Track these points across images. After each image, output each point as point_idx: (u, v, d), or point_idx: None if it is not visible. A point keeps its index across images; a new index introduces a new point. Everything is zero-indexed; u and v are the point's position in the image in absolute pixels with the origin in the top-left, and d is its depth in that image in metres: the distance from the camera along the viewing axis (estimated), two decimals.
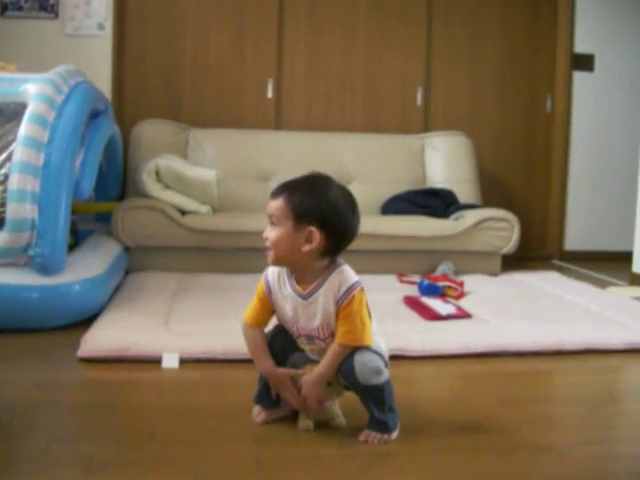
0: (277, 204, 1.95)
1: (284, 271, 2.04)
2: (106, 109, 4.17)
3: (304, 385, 2.01)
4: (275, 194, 1.97)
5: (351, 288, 1.96)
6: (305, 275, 2.00)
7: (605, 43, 5.95)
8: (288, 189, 1.96)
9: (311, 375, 2.01)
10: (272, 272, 2.06)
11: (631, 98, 5.80)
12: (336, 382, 2.03)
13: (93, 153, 3.69)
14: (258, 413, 2.13)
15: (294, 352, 2.09)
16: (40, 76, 3.46)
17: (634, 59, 5.70)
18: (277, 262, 1.99)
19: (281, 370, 2.06)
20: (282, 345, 2.09)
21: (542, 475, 1.86)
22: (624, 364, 2.99)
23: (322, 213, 1.92)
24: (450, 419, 2.23)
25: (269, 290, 2.05)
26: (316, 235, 1.91)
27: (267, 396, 2.10)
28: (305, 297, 2.00)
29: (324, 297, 1.97)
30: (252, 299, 2.10)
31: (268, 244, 1.97)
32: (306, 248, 1.93)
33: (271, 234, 1.97)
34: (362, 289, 1.99)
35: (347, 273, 2.00)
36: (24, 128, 3.19)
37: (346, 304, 1.95)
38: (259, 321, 2.09)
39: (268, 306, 2.07)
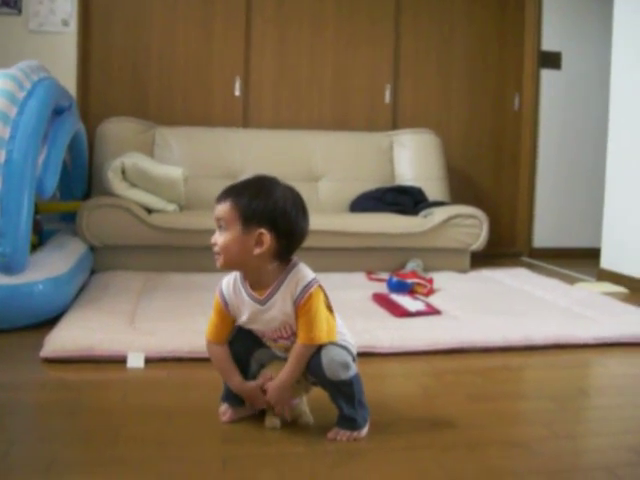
0: (224, 208, 1.90)
1: (238, 279, 2.00)
2: (70, 106, 4.10)
3: (270, 391, 1.98)
4: (221, 198, 1.92)
5: (308, 286, 1.93)
6: (260, 279, 1.96)
7: (572, 41, 5.99)
8: (234, 192, 1.91)
9: (276, 381, 1.97)
10: (226, 283, 2.01)
11: (598, 96, 5.83)
12: (303, 379, 2.00)
13: (56, 150, 3.62)
14: (224, 412, 2.09)
15: (258, 348, 2.06)
16: (1, 72, 3.38)
17: (601, 56, 5.73)
18: (227, 266, 1.94)
19: (250, 384, 2.02)
20: (244, 343, 2.05)
21: (512, 470, 1.84)
22: (593, 359, 2.99)
23: (271, 214, 1.87)
24: (420, 415, 2.21)
25: (225, 303, 2.01)
26: (266, 237, 1.87)
27: (235, 395, 2.06)
28: (262, 302, 1.96)
29: (282, 299, 1.94)
30: (210, 315, 2.06)
31: (217, 249, 1.92)
32: (257, 251, 1.88)
33: (220, 239, 1.91)
34: (320, 286, 1.96)
35: (303, 272, 1.96)
36: None
37: (304, 303, 1.92)
38: (221, 336, 2.04)
39: (227, 320, 2.03)
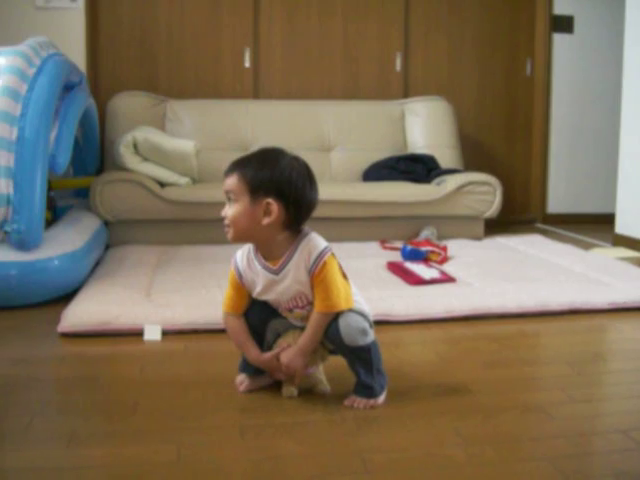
0: (231, 180, 1.91)
1: (251, 251, 2.01)
2: (80, 81, 4.09)
3: (286, 357, 1.99)
4: (229, 171, 1.94)
5: (321, 254, 1.93)
6: (271, 250, 1.97)
7: (584, 4, 5.90)
8: (241, 164, 1.93)
9: (294, 348, 1.98)
10: (240, 256, 2.03)
11: (611, 59, 5.76)
12: (320, 347, 2.01)
13: (68, 126, 3.62)
14: (241, 382, 2.11)
15: (274, 318, 2.07)
16: (10, 48, 3.37)
17: (613, 20, 5.66)
18: (237, 239, 1.95)
19: (266, 355, 2.03)
20: (260, 313, 2.06)
21: (530, 434, 1.85)
22: (609, 324, 2.99)
23: (277, 184, 1.88)
24: (436, 382, 2.22)
25: (240, 275, 2.02)
26: (274, 206, 1.88)
27: (252, 364, 2.08)
28: (276, 272, 1.96)
29: (295, 268, 1.94)
30: (226, 287, 2.08)
31: (227, 222, 1.94)
32: (266, 221, 1.89)
33: (229, 211, 1.93)
34: (333, 254, 1.96)
35: (315, 240, 1.97)
36: None
37: (318, 271, 1.92)
38: (237, 307, 2.06)
39: (243, 291, 2.04)
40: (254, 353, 2.04)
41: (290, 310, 2.03)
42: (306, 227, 2.01)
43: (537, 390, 2.25)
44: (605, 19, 5.89)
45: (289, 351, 1.99)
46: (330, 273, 1.93)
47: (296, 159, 1.96)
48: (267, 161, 1.92)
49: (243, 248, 2.04)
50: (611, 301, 3.11)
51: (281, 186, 1.89)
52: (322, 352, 2.03)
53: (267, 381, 2.12)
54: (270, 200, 1.88)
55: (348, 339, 1.94)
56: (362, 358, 1.98)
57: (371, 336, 1.98)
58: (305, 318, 2.00)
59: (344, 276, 2.00)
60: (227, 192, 1.93)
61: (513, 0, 5.86)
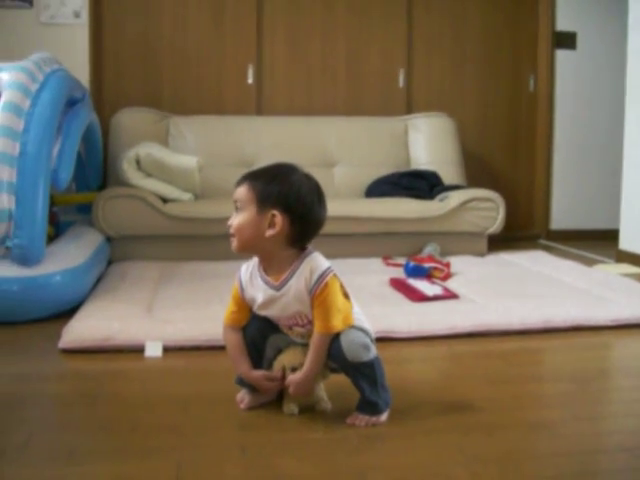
0: (241, 190, 1.93)
1: (255, 265, 2.01)
2: (83, 97, 4.10)
3: (293, 385, 1.98)
4: (240, 181, 1.96)
5: (323, 275, 1.93)
6: (273, 264, 1.97)
7: (587, 20, 5.92)
8: (252, 176, 1.95)
9: (300, 374, 1.97)
10: (245, 268, 2.04)
11: (614, 75, 5.76)
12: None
13: (71, 142, 3.62)
14: (242, 399, 2.10)
15: (274, 333, 2.06)
16: (13, 64, 3.38)
17: (616, 36, 5.66)
18: (241, 249, 1.95)
19: (255, 373, 2.03)
20: (260, 327, 2.05)
21: (534, 452, 1.83)
22: (613, 340, 2.97)
23: (285, 197, 1.89)
24: (439, 399, 2.20)
25: (242, 288, 2.02)
26: (279, 219, 1.88)
27: None
28: (277, 288, 1.96)
29: (296, 287, 1.94)
30: (229, 300, 2.08)
31: (232, 231, 1.95)
32: (269, 233, 1.90)
33: (235, 220, 1.94)
34: (334, 275, 1.95)
35: (318, 260, 1.96)
36: None
37: (319, 292, 1.92)
38: (237, 320, 2.06)
39: (243, 305, 2.04)
40: (245, 368, 2.04)
41: (290, 327, 2.02)
42: (310, 246, 2.00)
43: (541, 407, 2.23)
44: (608, 35, 5.90)
45: (296, 378, 1.98)
46: (331, 295, 1.92)
47: (307, 177, 1.96)
48: (278, 175, 1.93)
49: (249, 262, 2.05)
50: (615, 318, 3.09)
51: (288, 200, 1.89)
52: (323, 371, 2.01)
53: (268, 398, 2.10)
54: (275, 212, 1.88)
55: (351, 355, 1.92)
56: (366, 374, 1.96)
57: (374, 351, 1.97)
58: (305, 336, 2.00)
59: (346, 296, 1.99)
60: (235, 201, 1.94)
61: (516, 16, 5.88)
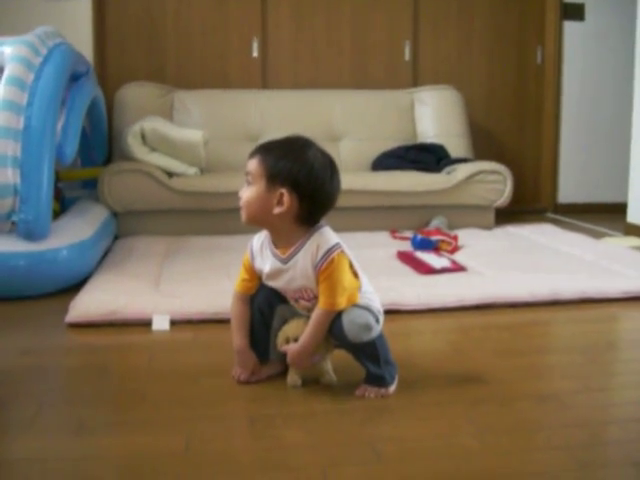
0: (253, 163, 1.91)
1: (267, 235, 2.00)
2: (87, 72, 4.07)
3: (290, 355, 1.98)
4: (252, 153, 1.94)
5: (329, 251, 1.90)
6: (282, 238, 1.95)
7: None
8: (265, 149, 1.92)
9: (297, 345, 1.96)
10: (257, 238, 2.04)
11: (622, 47, 5.70)
12: (324, 340, 1.98)
13: (75, 116, 3.60)
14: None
15: (281, 304, 2.06)
16: (16, 38, 3.35)
17: (624, 7, 5.59)
18: (249, 222, 1.95)
19: (251, 354, 2.04)
20: (268, 297, 2.05)
21: (545, 423, 1.82)
22: (621, 312, 2.95)
23: (295, 175, 1.86)
24: (448, 371, 2.19)
25: (252, 256, 2.02)
26: (287, 198, 1.86)
27: (257, 350, 2.07)
28: (284, 261, 1.95)
29: (303, 261, 1.92)
30: (240, 268, 2.07)
31: (241, 203, 1.94)
32: (277, 210, 1.88)
33: (245, 193, 1.93)
34: (342, 251, 1.92)
35: (326, 235, 1.94)
36: (1, 91, 3.10)
37: (325, 268, 1.89)
38: (248, 289, 2.06)
39: (253, 273, 2.04)
40: (240, 342, 2.04)
41: (296, 300, 2.01)
42: (322, 221, 1.98)
43: (551, 379, 2.22)
44: (616, 6, 5.82)
45: (292, 349, 1.97)
46: (337, 271, 1.89)
47: (322, 153, 1.93)
48: (290, 151, 1.90)
49: (261, 232, 2.04)
50: (624, 290, 3.07)
51: (298, 179, 1.86)
52: (327, 344, 1.99)
53: (276, 370, 2.10)
54: (284, 191, 1.86)
55: (352, 335, 1.91)
56: (368, 353, 1.96)
57: (376, 330, 1.94)
58: (311, 310, 1.98)
59: (355, 274, 1.96)
60: (247, 174, 1.93)
61: None
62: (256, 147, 1.95)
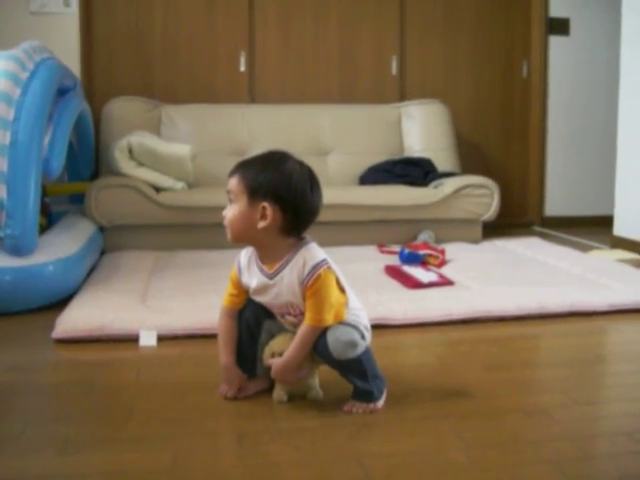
0: (233, 181, 1.92)
1: (254, 252, 2.00)
2: (74, 86, 4.06)
3: (273, 369, 1.97)
4: (232, 171, 1.95)
5: (316, 267, 1.90)
6: (268, 254, 1.95)
7: (580, 6, 5.88)
8: (243, 166, 1.93)
9: (281, 360, 1.95)
10: (244, 254, 2.03)
11: (607, 61, 5.74)
12: (310, 356, 1.97)
13: (62, 131, 3.59)
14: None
15: (268, 319, 2.06)
16: (3, 53, 3.34)
17: (609, 22, 5.64)
18: (235, 240, 1.95)
19: (237, 371, 2.04)
20: (255, 311, 2.05)
21: (533, 437, 1.82)
22: (609, 325, 2.96)
23: (276, 187, 1.86)
24: (436, 385, 2.19)
25: (240, 272, 2.02)
26: (270, 211, 1.86)
27: (243, 365, 2.07)
28: (271, 276, 1.94)
29: (289, 276, 1.92)
30: (228, 283, 2.07)
31: (225, 222, 1.94)
32: (261, 225, 1.88)
33: (228, 212, 1.93)
34: (329, 267, 1.92)
35: (312, 251, 1.93)
36: None
37: (311, 284, 1.89)
38: (235, 303, 2.05)
39: (240, 288, 2.03)
40: (227, 359, 2.03)
41: (282, 315, 2.01)
42: (308, 236, 1.98)
43: (539, 393, 2.22)
44: (601, 21, 5.87)
45: (276, 363, 1.96)
46: (324, 287, 1.89)
47: (300, 164, 1.94)
48: (269, 164, 1.91)
49: (249, 247, 2.03)
50: (611, 303, 3.08)
51: (279, 191, 1.87)
52: (313, 359, 1.98)
53: (264, 386, 2.09)
54: (266, 204, 1.86)
55: (337, 353, 1.90)
56: (355, 369, 1.95)
57: (361, 347, 1.93)
58: (297, 325, 1.97)
59: (342, 290, 1.96)
60: (228, 192, 1.93)
61: (508, 3, 5.84)
62: (235, 165, 1.96)
